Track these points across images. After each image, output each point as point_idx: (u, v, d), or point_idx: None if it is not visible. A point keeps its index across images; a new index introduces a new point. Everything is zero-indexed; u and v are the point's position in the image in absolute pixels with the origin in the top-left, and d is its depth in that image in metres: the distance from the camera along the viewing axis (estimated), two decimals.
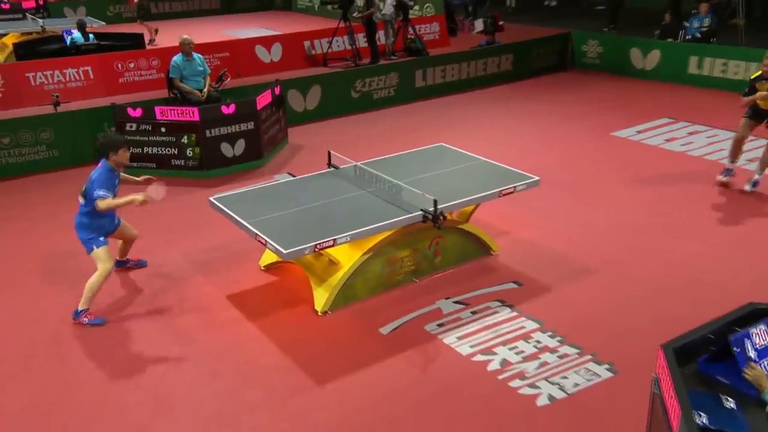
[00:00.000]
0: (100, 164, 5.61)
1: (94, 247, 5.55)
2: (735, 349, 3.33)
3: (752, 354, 3.34)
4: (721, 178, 8.00)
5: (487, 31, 14.84)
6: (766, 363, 3.36)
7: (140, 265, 6.43)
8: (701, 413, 3.12)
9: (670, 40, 12.97)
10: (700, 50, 12.13)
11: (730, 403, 3.23)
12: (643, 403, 3.82)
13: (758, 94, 7.56)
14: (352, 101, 11.35)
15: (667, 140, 9.48)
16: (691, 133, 9.69)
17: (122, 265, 6.35)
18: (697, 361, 3.55)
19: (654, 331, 4.62)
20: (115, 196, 5.60)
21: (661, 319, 5.15)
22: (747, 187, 7.81)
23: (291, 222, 5.46)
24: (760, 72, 7.71)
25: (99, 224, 5.66)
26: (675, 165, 8.62)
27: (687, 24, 13.13)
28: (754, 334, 3.38)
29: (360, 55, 14.17)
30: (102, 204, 5.40)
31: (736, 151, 7.96)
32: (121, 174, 5.92)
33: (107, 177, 5.55)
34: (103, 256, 5.57)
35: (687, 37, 12.88)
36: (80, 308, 5.53)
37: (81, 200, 5.57)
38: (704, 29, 12.69)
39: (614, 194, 7.80)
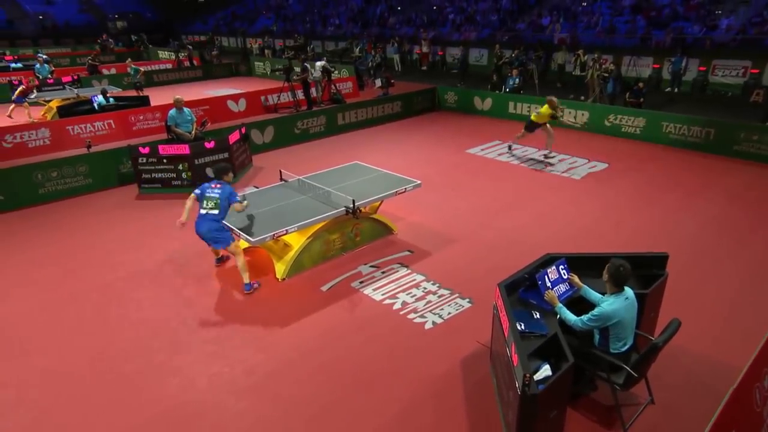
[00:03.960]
0: (220, 184, 5.11)
1: (231, 241, 5.09)
2: (539, 282, 3.57)
3: (549, 284, 3.58)
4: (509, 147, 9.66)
5: (383, 86, 14.86)
6: (556, 289, 3.62)
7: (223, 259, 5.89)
8: (521, 323, 3.33)
9: (497, 91, 13.40)
10: (514, 98, 12.59)
11: (537, 315, 3.46)
12: (489, 320, 4.03)
13: (533, 115, 9.14)
14: (295, 135, 11.10)
15: (499, 154, 9.81)
16: (512, 150, 10.05)
17: (221, 260, 5.84)
18: (518, 291, 3.78)
19: (495, 275, 4.77)
20: None
21: (499, 267, 5.32)
22: (538, 155, 9.36)
23: (256, 219, 5.35)
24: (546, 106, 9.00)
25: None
26: (505, 169, 8.94)
27: (506, 82, 13.65)
28: (549, 272, 3.62)
29: (299, 104, 13.88)
30: (239, 207, 5.03)
31: (522, 140, 9.61)
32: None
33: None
34: (239, 245, 5.20)
35: (506, 90, 13.34)
36: (246, 282, 5.18)
37: (211, 211, 5.00)
38: (515, 85, 13.23)
39: (470, 190, 7.99)
